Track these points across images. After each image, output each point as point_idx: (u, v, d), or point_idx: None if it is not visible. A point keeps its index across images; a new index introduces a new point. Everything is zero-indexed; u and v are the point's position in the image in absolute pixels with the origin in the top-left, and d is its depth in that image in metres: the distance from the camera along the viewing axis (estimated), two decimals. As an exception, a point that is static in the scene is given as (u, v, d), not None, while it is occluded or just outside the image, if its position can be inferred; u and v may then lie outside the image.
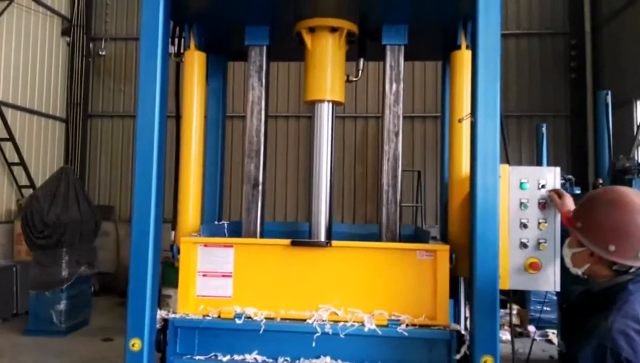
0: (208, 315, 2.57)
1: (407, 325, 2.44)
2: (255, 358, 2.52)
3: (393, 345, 2.47)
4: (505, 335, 6.89)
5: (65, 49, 10.96)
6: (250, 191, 2.88)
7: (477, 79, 2.38)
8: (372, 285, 2.55)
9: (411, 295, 2.52)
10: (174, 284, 2.66)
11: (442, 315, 2.49)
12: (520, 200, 2.55)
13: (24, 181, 9.46)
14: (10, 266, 8.06)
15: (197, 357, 2.55)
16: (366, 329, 2.43)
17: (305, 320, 2.51)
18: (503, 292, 2.44)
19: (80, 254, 7.37)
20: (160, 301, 2.58)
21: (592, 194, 1.94)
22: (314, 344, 2.47)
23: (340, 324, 2.46)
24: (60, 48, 10.86)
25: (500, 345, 2.32)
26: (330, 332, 2.44)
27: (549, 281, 2.55)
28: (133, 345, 2.44)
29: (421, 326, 2.46)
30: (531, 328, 7.31)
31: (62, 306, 7.15)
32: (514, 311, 7.36)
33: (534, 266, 2.52)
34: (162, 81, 2.50)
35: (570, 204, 2.45)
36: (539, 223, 2.57)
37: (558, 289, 2.54)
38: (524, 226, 2.56)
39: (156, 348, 2.51)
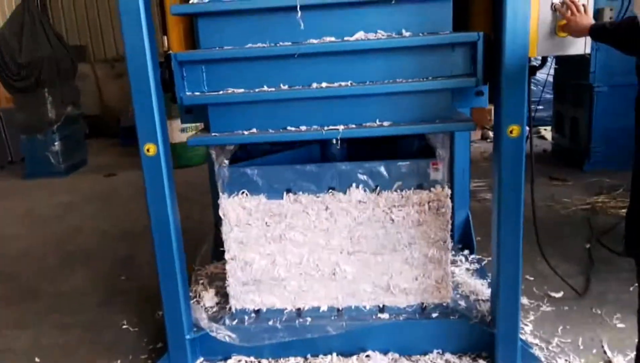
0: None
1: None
2: None
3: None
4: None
5: None
6: None
7: None
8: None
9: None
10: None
11: None
12: (558, -54, 2.26)
13: (-18, 23, 8.68)
14: (-6, 114, 7.78)
15: (208, 93, 2.36)
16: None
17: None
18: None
19: (63, 94, 7.08)
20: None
21: None
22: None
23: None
24: None
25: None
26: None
27: (579, 43, 2.40)
28: (148, 151, 2.34)
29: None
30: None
31: (56, 147, 7.08)
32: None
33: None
34: None
35: (587, 19, 2.15)
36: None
37: (588, 50, 2.40)
38: None
39: (163, 90, 2.35)
